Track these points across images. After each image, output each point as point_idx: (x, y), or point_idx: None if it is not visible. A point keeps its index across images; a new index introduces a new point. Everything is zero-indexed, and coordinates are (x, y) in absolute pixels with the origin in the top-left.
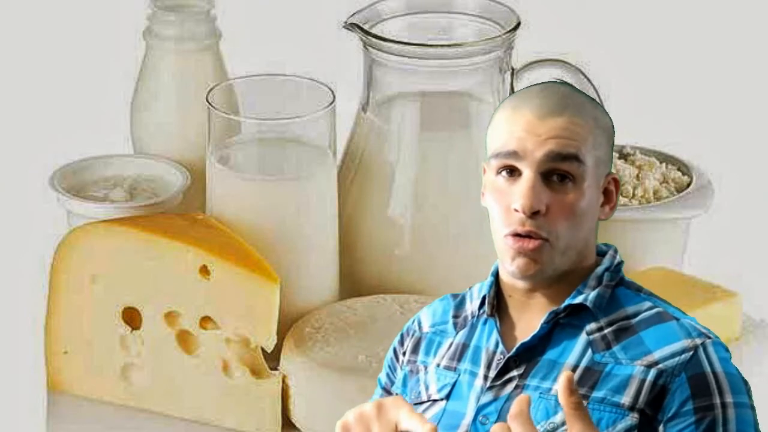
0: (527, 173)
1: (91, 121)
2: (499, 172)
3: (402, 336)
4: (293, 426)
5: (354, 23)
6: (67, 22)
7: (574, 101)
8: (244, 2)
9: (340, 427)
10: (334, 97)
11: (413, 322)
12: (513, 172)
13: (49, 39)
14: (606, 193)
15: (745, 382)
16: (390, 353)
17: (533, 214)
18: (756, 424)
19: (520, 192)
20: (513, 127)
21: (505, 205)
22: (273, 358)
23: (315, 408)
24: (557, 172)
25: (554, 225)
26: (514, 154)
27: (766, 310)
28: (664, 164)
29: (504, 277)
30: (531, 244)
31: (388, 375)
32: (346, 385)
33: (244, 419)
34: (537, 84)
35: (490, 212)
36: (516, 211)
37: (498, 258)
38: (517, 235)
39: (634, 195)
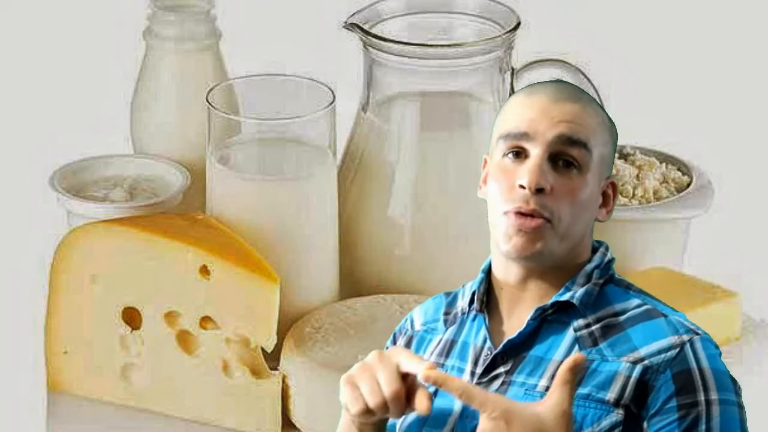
0: (536, 152)
1: (91, 121)
2: (505, 154)
3: (395, 335)
4: (293, 426)
5: (354, 23)
6: (67, 22)
7: (586, 96)
8: (244, 2)
9: (345, 380)
10: (334, 97)
11: (406, 321)
12: (519, 154)
13: (50, 39)
14: (604, 196)
15: (734, 380)
16: None
17: (538, 191)
18: (743, 422)
19: (527, 169)
20: (526, 110)
21: (509, 183)
22: (273, 358)
23: (315, 408)
24: (564, 156)
25: (557, 206)
26: (524, 135)
27: (766, 310)
28: (664, 164)
29: (496, 271)
30: (533, 222)
31: None
32: None
33: (244, 419)
34: (548, 80)
35: (490, 195)
36: (521, 187)
37: (492, 246)
38: (519, 213)
39: (634, 195)
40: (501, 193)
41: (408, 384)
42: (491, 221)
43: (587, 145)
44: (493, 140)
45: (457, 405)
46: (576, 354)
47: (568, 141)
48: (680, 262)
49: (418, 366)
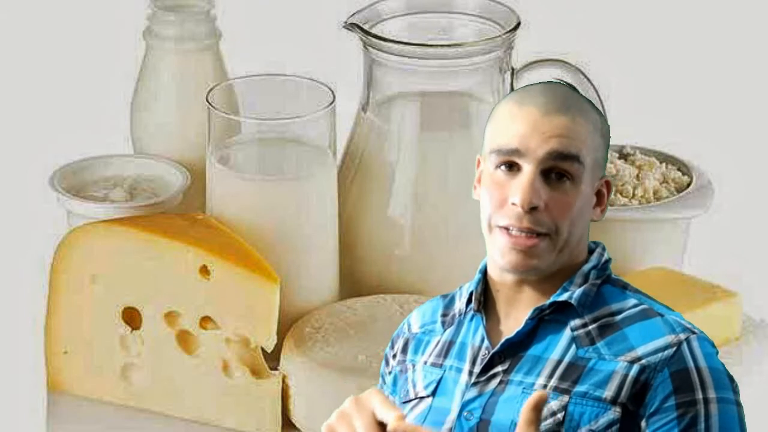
0: (528, 168)
1: (91, 121)
2: (498, 167)
3: (392, 341)
4: (293, 426)
5: (354, 23)
6: (67, 22)
7: (576, 102)
8: (244, 2)
9: (325, 430)
10: (334, 97)
11: (403, 325)
12: (512, 166)
13: (50, 39)
14: (598, 195)
15: (731, 378)
16: (383, 362)
17: (531, 210)
18: (741, 420)
19: (519, 186)
20: (517, 124)
21: (502, 197)
22: (273, 358)
23: (315, 408)
24: (557, 170)
25: (552, 220)
26: (516, 151)
27: (766, 310)
28: (664, 164)
29: (492, 272)
30: (529, 241)
31: (380, 387)
32: (346, 385)
33: (244, 419)
34: (539, 83)
35: (483, 203)
36: (514, 205)
37: (487, 251)
38: (511, 229)
39: (634, 195)
40: (493, 207)
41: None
42: (484, 228)
43: (579, 157)
44: (485, 148)
45: (455, 405)
46: (538, 392)
47: (560, 156)
48: (680, 262)
49: (389, 415)
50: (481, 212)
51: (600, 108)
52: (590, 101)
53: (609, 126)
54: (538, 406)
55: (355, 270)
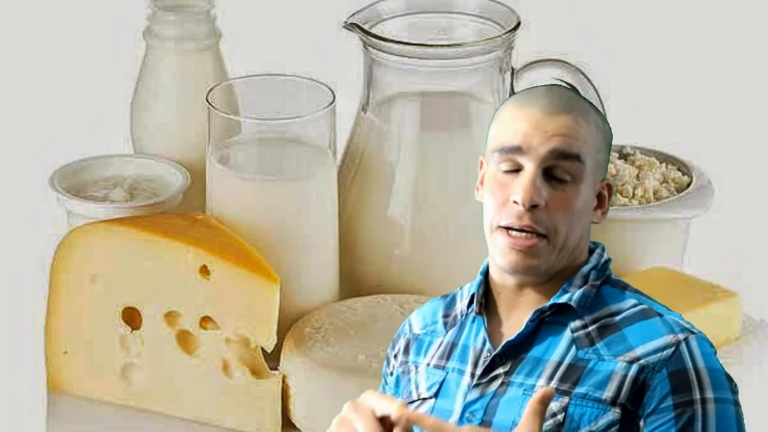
0: (529, 167)
1: (91, 121)
2: (500, 166)
3: (393, 341)
4: (293, 426)
5: (354, 23)
6: (67, 22)
7: (579, 104)
8: (244, 2)
9: None
10: (334, 97)
11: (404, 326)
12: (514, 167)
13: (49, 39)
14: (599, 197)
15: (729, 378)
16: (384, 363)
17: (532, 208)
18: (739, 419)
19: (520, 185)
20: (519, 123)
21: (503, 197)
22: (273, 358)
23: (315, 408)
24: (558, 169)
25: (552, 220)
26: (518, 149)
27: (766, 310)
28: (664, 164)
29: (493, 274)
30: (528, 241)
31: (383, 387)
32: (346, 385)
33: (244, 419)
34: (542, 85)
35: (485, 203)
36: (515, 203)
37: (489, 252)
38: (512, 229)
39: (634, 195)
40: (495, 206)
41: (388, 425)
42: (486, 230)
43: (580, 156)
44: (487, 149)
45: (457, 406)
46: (545, 388)
47: (561, 155)
48: (680, 262)
49: (391, 407)
50: (484, 214)
51: (601, 109)
52: (593, 104)
53: (611, 129)
54: (545, 401)
55: (355, 270)
